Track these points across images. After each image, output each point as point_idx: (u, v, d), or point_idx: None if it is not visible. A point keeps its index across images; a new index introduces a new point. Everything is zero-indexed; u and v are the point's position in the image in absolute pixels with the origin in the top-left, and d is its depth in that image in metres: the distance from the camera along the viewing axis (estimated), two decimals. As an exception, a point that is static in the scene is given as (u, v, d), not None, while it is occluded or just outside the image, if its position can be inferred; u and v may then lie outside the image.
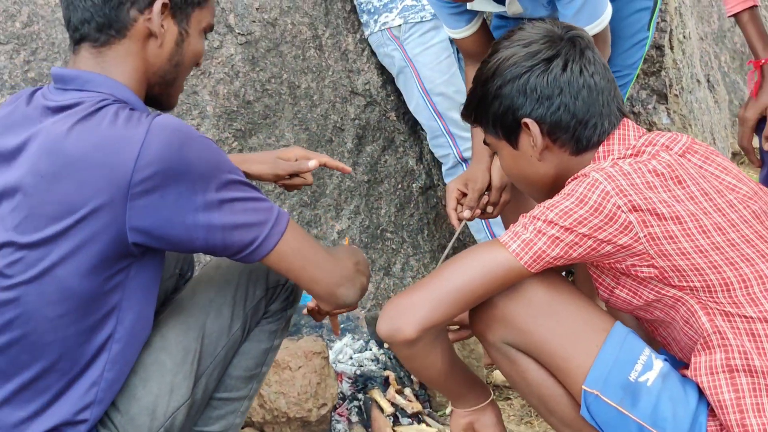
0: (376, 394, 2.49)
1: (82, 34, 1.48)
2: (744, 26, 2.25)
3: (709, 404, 1.53)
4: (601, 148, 1.65)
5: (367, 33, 3.13)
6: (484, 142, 1.81)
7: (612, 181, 1.51)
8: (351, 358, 2.67)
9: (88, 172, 1.34)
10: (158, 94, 1.56)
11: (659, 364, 1.54)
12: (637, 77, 2.96)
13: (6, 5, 2.39)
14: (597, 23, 2.23)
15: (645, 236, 1.49)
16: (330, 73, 3.05)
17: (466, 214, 2.32)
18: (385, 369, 2.63)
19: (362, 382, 2.55)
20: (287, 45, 2.93)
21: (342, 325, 2.70)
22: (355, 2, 3.13)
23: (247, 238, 1.45)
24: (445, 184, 3.16)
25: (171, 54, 1.53)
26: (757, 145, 2.25)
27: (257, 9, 2.86)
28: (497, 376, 2.72)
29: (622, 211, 1.49)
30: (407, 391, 2.56)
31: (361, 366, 2.63)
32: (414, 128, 3.27)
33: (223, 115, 2.72)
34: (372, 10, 3.04)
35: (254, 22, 2.84)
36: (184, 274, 1.85)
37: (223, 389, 1.68)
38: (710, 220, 1.50)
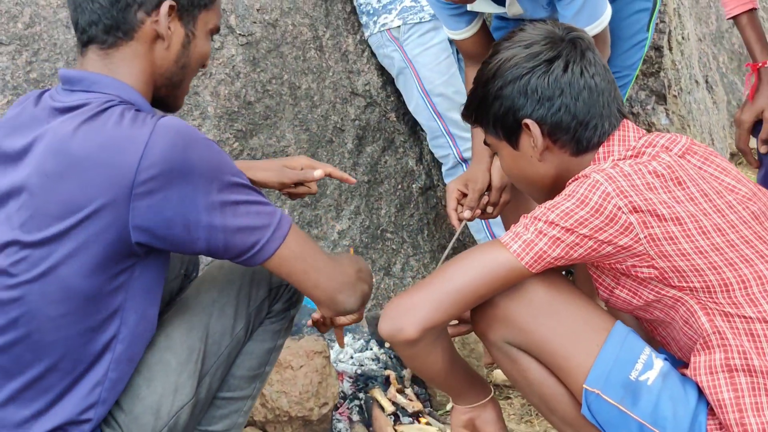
0: (377, 393, 2.49)
1: (90, 36, 1.49)
2: (743, 29, 2.25)
3: (708, 403, 1.54)
4: (601, 149, 1.65)
5: (366, 34, 3.13)
6: (485, 143, 1.81)
7: (613, 183, 1.51)
8: (352, 357, 2.68)
9: (93, 172, 1.35)
10: (165, 95, 1.57)
11: (659, 363, 1.55)
12: (636, 78, 2.97)
13: (8, 6, 2.39)
14: (596, 24, 2.23)
15: (645, 237, 1.50)
16: (330, 73, 3.05)
17: (467, 214, 2.32)
18: (385, 368, 2.64)
19: (363, 381, 2.55)
20: (288, 46, 2.93)
21: (342, 325, 2.70)
22: (355, 3, 3.13)
23: (248, 241, 1.45)
24: (445, 185, 3.17)
25: (178, 56, 1.53)
26: (755, 146, 2.26)
27: (258, 10, 2.86)
28: (497, 375, 2.73)
29: (623, 212, 1.50)
30: (408, 390, 2.57)
31: (362, 365, 2.64)
32: (414, 129, 3.28)
33: (224, 116, 2.72)
34: (371, 12, 3.05)
35: (255, 23, 2.85)
36: (189, 274, 1.85)
37: (226, 389, 1.68)
38: (710, 221, 1.51)
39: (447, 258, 2.60)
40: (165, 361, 1.55)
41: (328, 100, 3.03)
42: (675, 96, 3.64)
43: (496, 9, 2.41)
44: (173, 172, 1.36)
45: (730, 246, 1.51)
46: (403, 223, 3.21)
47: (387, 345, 2.66)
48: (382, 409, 2.45)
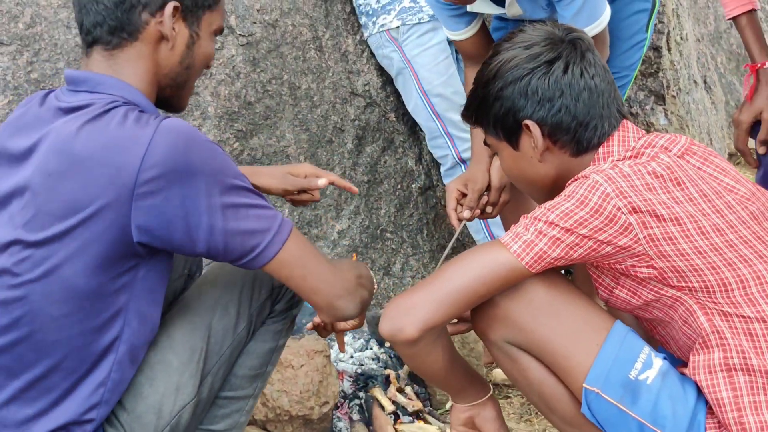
0: (377, 392, 2.50)
1: (95, 37, 1.49)
2: (742, 30, 2.25)
3: (707, 402, 1.54)
4: (601, 150, 1.66)
5: (366, 35, 3.13)
6: (485, 143, 1.82)
7: (612, 183, 1.52)
8: (352, 356, 2.69)
9: (95, 171, 1.36)
10: (169, 96, 1.57)
11: (659, 362, 1.56)
12: (635, 78, 2.97)
13: (9, 6, 2.40)
14: (596, 25, 2.24)
15: (644, 237, 1.51)
16: (330, 74, 3.06)
17: (466, 214, 2.33)
18: (385, 367, 2.64)
19: (363, 380, 2.56)
20: (288, 46, 2.94)
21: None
22: (354, 4, 3.13)
23: (248, 244, 1.45)
24: (444, 185, 3.17)
25: (182, 56, 1.54)
26: (753, 147, 2.27)
27: (258, 10, 2.87)
28: (497, 374, 2.73)
29: (622, 213, 1.50)
30: (408, 389, 2.57)
31: (362, 365, 2.65)
32: (413, 129, 3.28)
33: (224, 116, 2.73)
34: (370, 12, 3.05)
35: (255, 23, 2.85)
36: (192, 274, 1.85)
37: (228, 388, 1.69)
38: (709, 221, 1.52)
39: (446, 258, 2.61)
40: (167, 360, 1.55)
41: (328, 101, 3.04)
42: (674, 96, 3.65)
43: (495, 10, 2.42)
44: (175, 173, 1.36)
45: (729, 246, 1.51)
46: (403, 222, 3.22)
47: (387, 344, 2.67)
48: (383, 408, 2.46)
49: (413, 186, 3.25)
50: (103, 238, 1.37)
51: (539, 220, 1.55)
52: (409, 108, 3.11)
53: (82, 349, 1.43)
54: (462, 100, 2.96)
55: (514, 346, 1.64)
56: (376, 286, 1.81)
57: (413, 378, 2.65)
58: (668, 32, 3.63)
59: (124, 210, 1.36)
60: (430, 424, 2.46)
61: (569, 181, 1.60)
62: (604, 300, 1.69)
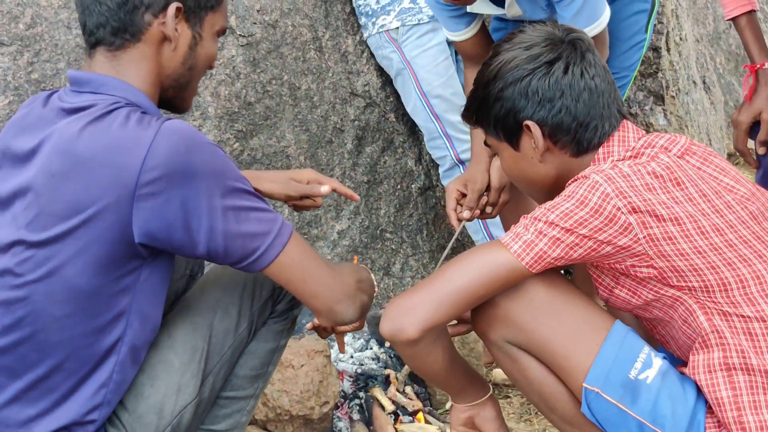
0: (378, 392, 2.50)
1: (98, 38, 1.50)
2: (741, 30, 2.25)
3: (707, 402, 1.55)
4: (601, 150, 1.66)
5: (365, 35, 3.13)
6: (485, 144, 1.82)
7: (612, 183, 1.52)
8: (352, 356, 2.69)
9: (97, 172, 1.36)
10: (172, 97, 1.57)
11: (658, 362, 1.56)
12: (634, 79, 2.98)
13: (9, 7, 2.40)
14: (595, 25, 2.24)
15: (644, 237, 1.51)
16: (330, 74, 3.06)
17: (466, 214, 2.33)
18: (385, 367, 2.65)
19: (363, 380, 2.56)
20: (288, 47, 2.94)
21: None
22: (354, 4, 3.13)
23: (248, 247, 1.45)
24: (443, 186, 3.18)
25: (185, 57, 1.54)
26: (752, 147, 2.27)
27: (258, 11, 2.87)
28: (497, 374, 2.74)
29: (622, 213, 1.51)
30: (408, 389, 2.58)
31: (362, 365, 2.65)
32: (413, 129, 3.28)
33: (224, 117, 2.73)
34: (370, 13, 3.05)
35: (255, 23, 2.85)
36: (194, 275, 1.85)
37: (229, 388, 1.69)
38: (708, 221, 1.52)
39: (446, 258, 2.61)
40: (168, 360, 1.55)
41: (328, 101, 3.04)
42: (673, 96, 3.65)
43: (495, 10, 2.42)
44: (176, 175, 1.36)
45: (729, 246, 1.51)
46: (403, 223, 3.22)
47: (387, 344, 2.67)
48: (383, 408, 2.46)
49: (413, 186, 3.26)
50: (105, 238, 1.37)
51: (539, 220, 1.55)
52: (408, 109, 3.11)
53: (85, 350, 1.43)
54: (461, 101, 2.97)
55: (514, 346, 1.65)
56: (376, 289, 1.81)
57: (413, 378, 2.65)
58: (667, 33, 3.63)
59: (126, 211, 1.36)
60: (430, 423, 2.47)
61: (569, 182, 1.61)
62: (604, 300, 1.69)
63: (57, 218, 1.37)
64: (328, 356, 2.35)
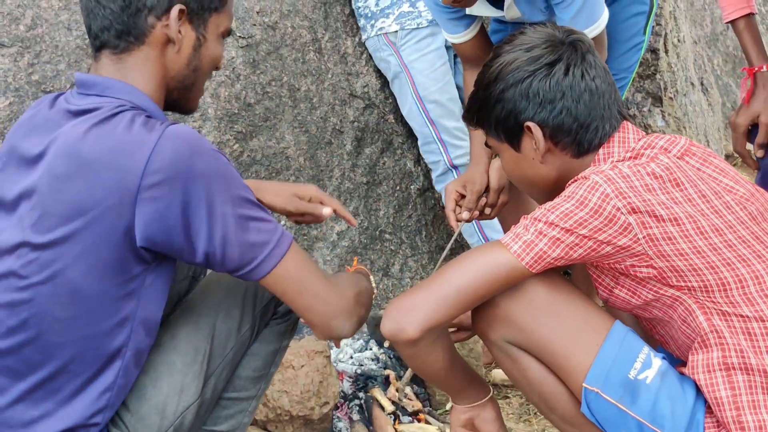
0: (377, 392, 2.51)
1: (102, 42, 1.50)
2: (740, 33, 2.26)
3: (706, 401, 1.55)
4: (601, 151, 1.67)
5: (364, 37, 3.13)
6: (486, 145, 1.82)
7: (612, 184, 1.53)
8: (351, 357, 2.70)
9: (101, 174, 1.36)
10: (177, 98, 1.58)
11: (658, 362, 1.57)
12: (632, 80, 2.98)
13: (10, 8, 2.40)
14: (594, 27, 2.25)
15: (644, 237, 1.52)
16: (329, 76, 3.06)
17: (465, 215, 2.34)
18: (385, 368, 2.65)
19: (363, 381, 2.57)
20: (287, 48, 2.95)
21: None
22: (354, 6, 3.14)
23: (246, 256, 1.45)
24: (436, 190, 3.19)
25: (189, 59, 1.54)
26: (750, 149, 2.28)
27: (258, 12, 2.88)
28: (496, 374, 2.74)
29: (622, 213, 1.51)
30: (408, 389, 2.58)
31: (362, 365, 2.66)
32: (412, 131, 3.26)
33: (224, 118, 2.73)
34: (369, 15, 3.05)
35: (255, 25, 2.86)
36: (197, 276, 1.85)
37: (232, 389, 1.69)
38: (708, 221, 1.53)
39: (445, 259, 2.62)
40: (171, 361, 1.55)
41: (327, 102, 3.04)
42: (671, 98, 3.66)
43: (494, 12, 2.42)
44: (177, 180, 1.36)
45: (728, 246, 1.52)
46: (402, 224, 3.22)
47: (386, 345, 2.68)
48: (382, 408, 2.47)
49: (412, 187, 3.26)
50: (108, 241, 1.37)
51: (539, 220, 1.56)
52: (404, 112, 3.11)
53: (89, 353, 1.43)
54: (456, 107, 2.99)
55: (514, 346, 1.65)
56: (375, 291, 1.81)
57: (413, 379, 2.66)
58: (665, 34, 3.63)
59: (128, 214, 1.36)
60: (429, 424, 2.48)
61: (569, 182, 1.61)
62: (603, 300, 1.70)
63: (60, 220, 1.37)
64: (328, 357, 2.36)
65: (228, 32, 1.61)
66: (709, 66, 4.78)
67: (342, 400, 2.49)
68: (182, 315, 1.62)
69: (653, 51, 3.59)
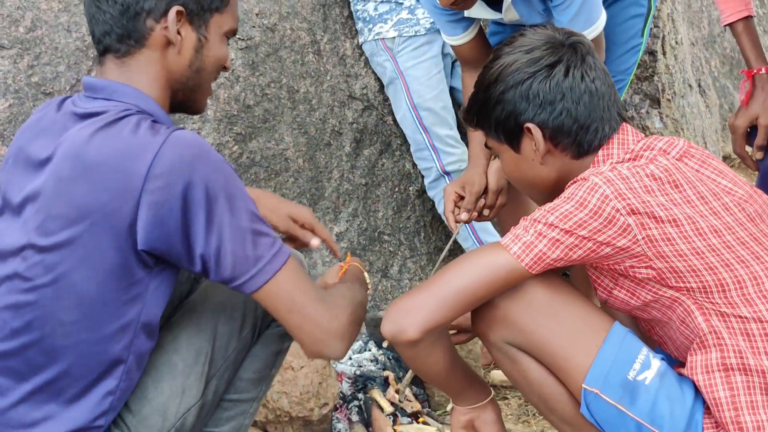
0: (376, 393, 2.51)
1: (105, 46, 1.51)
2: (738, 36, 2.26)
3: (705, 402, 1.56)
4: (600, 152, 1.67)
5: (361, 40, 3.13)
6: (486, 146, 1.83)
7: (611, 185, 1.53)
8: (350, 358, 2.70)
9: (105, 177, 1.36)
10: (182, 100, 1.57)
11: (657, 363, 1.57)
12: (630, 82, 2.99)
13: (10, 10, 2.40)
14: (592, 29, 2.25)
15: (643, 238, 1.52)
16: (328, 77, 3.07)
17: (464, 216, 2.35)
18: (384, 369, 2.66)
19: (362, 382, 2.57)
20: (286, 50, 2.95)
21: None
22: (352, 9, 3.14)
23: (238, 268, 1.43)
24: (429, 197, 3.19)
25: (191, 60, 1.53)
26: (749, 150, 2.29)
27: (257, 14, 2.88)
28: (495, 375, 2.75)
29: (621, 214, 1.52)
30: (407, 390, 2.58)
31: (361, 366, 2.66)
32: (410, 133, 3.30)
33: (223, 119, 2.73)
34: (367, 19, 3.05)
35: (254, 27, 2.86)
36: (199, 278, 1.84)
37: (233, 391, 1.69)
38: (706, 222, 1.53)
39: (443, 260, 2.62)
40: (173, 363, 1.55)
41: (326, 104, 3.05)
42: (669, 100, 3.67)
43: (492, 15, 2.43)
44: (178, 185, 1.36)
45: (726, 247, 1.53)
46: (400, 225, 3.23)
47: (385, 345, 2.68)
48: (381, 409, 2.47)
49: (411, 189, 3.27)
50: (111, 244, 1.37)
51: (539, 221, 1.56)
52: (398, 117, 3.12)
53: (92, 357, 1.43)
54: (449, 115, 3.00)
55: (514, 347, 1.66)
56: (370, 290, 1.80)
57: (412, 380, 2.66)
58: (663, 36, 3.64)
59: (131, 217, 1.36)
60: (428, 425, 2.48)
61: (569, 183, 1.62)
62: (602, 300, 1.70)
63: (64, 222, 1.38)
64: (328, 358, 2.36)
65: (232, 32, 1.60)
66: (707, 68, 4.79)
67: (341, 401, 2.49)
68: (184, 317, 1.62)
69: (651, 53, 3.60)
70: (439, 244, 3.33)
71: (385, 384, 2.58)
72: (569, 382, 1.60)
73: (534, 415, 2.58)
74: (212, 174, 1.39)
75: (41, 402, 1.43)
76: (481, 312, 1.67)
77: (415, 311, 1.57)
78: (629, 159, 1.63)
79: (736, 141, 2.26)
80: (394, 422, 2.45)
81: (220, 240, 1.40)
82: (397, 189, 3.22)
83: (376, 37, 3.03)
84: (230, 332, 1.62)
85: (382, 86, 3.20)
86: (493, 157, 2.34)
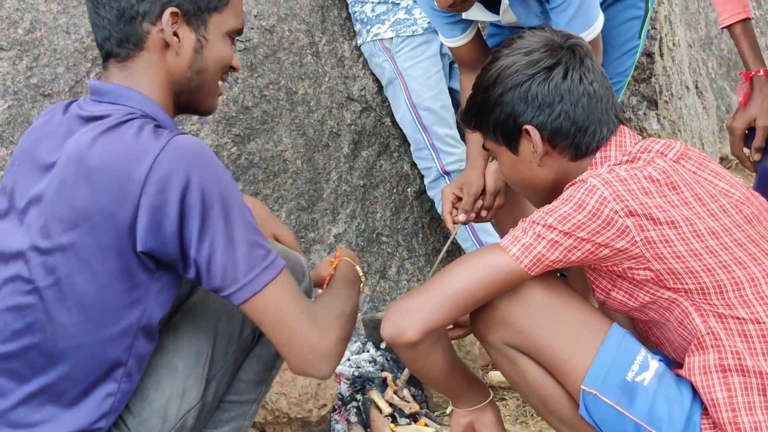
0: (375, 394, 2.51)
1: (107, 51, 1.52)
2: (736, 38, 2.27)
3: (702, 403, 1.56)
4: (598, 154, 1.68)
5: (359, 42, 3.14)
6: (484, 148, 1.83)
7: (609, 187, 1.54)
8: (349, 359, 2.70)
9: (105, 181, 1.37)
10: (187, 101, 1.57)
11: (655, 364, 1.58)
12: (627, 84, 2.99)
13: (9, 12, 2.40)
14: (589, 31, 2.26)
15: (641, 240, 1.52)
16: (326, 79, 3.07)
17: (461, 217, 2.35)
18: (382, 370, 2.66)
19: (360, 383, 2.57)
20: (285, 51, 2.95)
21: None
22: (350, 11, 3.15)
23: (228, 278, 1.41)
24: (429, 197, 3.20)
25: (191, 61, 1.53)
26: (748, 152, 2.29)
27: (255, 16, 2.88)
28: (493, 376, 2.75)
29: (619, 216, 1.52)
30: (405, 391, 2.59)
31: (359, 367, 2.66)
32: (408, 134, 3.30)
33: (222, 121, 2.74)
34: (365, 20, 3.06)
35: (253, 29, 2.86)
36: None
37: (233, 392, 1.69)
38: (704, 224, 1.54)
39: (441, 261, 2.63)
40: (173, 364, 1.55)
41: (325, 105, 3.05)
42: (666, 101, 3.67)
43: (490, 17, 2.43)
44: (175, 189, 1.36)
45: (724, 248, 1.53)
46: (399, 226, 3.23)
47: (383, 346, 2.68)
48: (380, 410, 2.47)
49: (409, 190, 3.27)
50: (112, 247, 1.38)
51: (537, 223, 1.57)
52: (397, 118, 3.13)
53: (93, 359, 1.43)
54: (449, 114, 3.01)
55: (512, 349, 1.66)
56: (363, 279, 1.79)
57: (410, 381, 2.66)
58: (661, 38, 3.65)
59: (130, 220, 1.37)
60: (427, 426, 2.48)
61: (567, 185, 1.62)
62: (600, 302, 1.71)
63: (66, 225, 1.38)
64: (327, 359, 2.36)
65: (236, 32, 1.58)
66: (704, 69, 4.80)
67: (339, 403, 2.49)
68: (184, 318, 1.62)
69: (648, 55, 3.61)
70: (437, 245, 3.33)
71: (383, 385, 2.58)
72: (568, 383, 1.61)
73: (532, 415, 2.59)
74: (210, 180, 1.38)
75: (42, 404, 1.43)
76: (480, 313, 1.67)
77: (414, 313, 1.57)
78: (627, 161, 1.63)
79: (734, 142, 2.26)
80: (393, 423, 2.45)
81: (212, 248, 1.39)
82: (395, 190, 3.23)
83: (374, 38, 3.03)
84: (230, 334, 1.62)
85: (380, 88, 3.20)
86: (490, 158, 2.34)
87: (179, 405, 1.55)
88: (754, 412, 1.50)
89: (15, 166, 1.53)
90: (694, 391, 1.57)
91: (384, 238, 3.17)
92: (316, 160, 2.99)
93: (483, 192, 2.38)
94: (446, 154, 3.00)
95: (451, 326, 1.94)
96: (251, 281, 1.42)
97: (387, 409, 2.47)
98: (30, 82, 2.41)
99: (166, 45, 1.51)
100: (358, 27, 3.12)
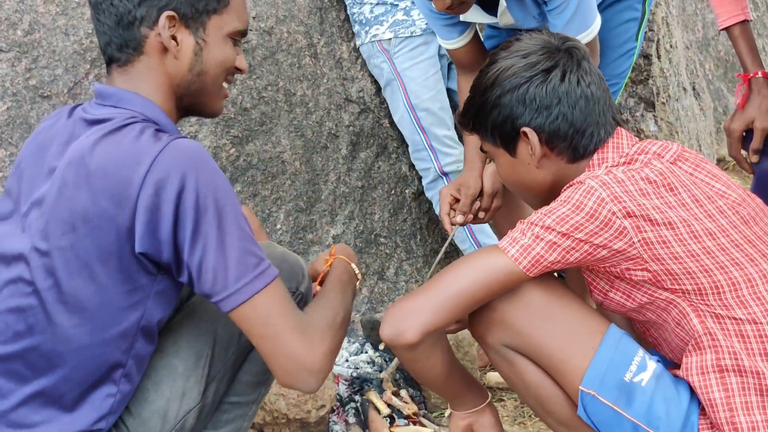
0: (373, 395, 2.51)
1: (109, 56, 1.52)
2: (735, 40, 2.27)
3: (700, 403, 1.57)
4: (595, 156, 1.68)
5: (358, 43, 3.14)
6: (481, 150, 1.83)
7: (607, 188, 1.54)
8: (347, 360, 2.70)
9: (104, 183, 1.37)
10: (189, 104, 1.57)
11: (653, 365, 1.58)
12: (625, 85, 3.00)
13: (8, 13, 2.40)
14: (586, 33, 2.26)
15: (639, 241, 1.53)
16: (325, 80, 3.07)
17: (459, 219, 2.35)
18: (380, 371, 2.66)
19: (359, 384, 2.57)
20: (283, 53, 2.95)
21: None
22: (349, 12, 3.15)
23: (217, 284, 1.40)
24: (427, 198, 3.20)
25: (190, 64, 1.52)
26: (746, 154, 2.30)
27: (254, 18, 2.88)
28: (491, 377, 2.75)
29: (617, 217, 1.53)
30: (403, 392, 2.59)
31: (357, 368, 2.66)
32: (407, 135, 3.30)
33: (220, 122, 2.74)
34: (363, 21, 3.06)
35: (251, 30, 2.86)
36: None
37: (232, 393, 1.69)
38: (701, 225, 1.54)
39: (439, 262, 2.63)
40: (173, 365, 1.55)
41: (323, 107, 3.05)
42: (663, 103, 3.68)
43: (488, 19, 2.44)
44: (171, 191, 1.36)
45: (721, 249, 1.54)
46: (397, 227, 3.23)
47: (381, 347, 2.68)
48: (378, 411, 2.47)
49: (407, 191, 3.27)
50: (110, 250, 1.38)
51: (536, 224, 1.57)
52: (396, 119, 3.13)
53: (93, 360, 1.43)
54: (447, 115, 3.01)
55: (511, 350, 1.66)
56: (359, 277, 1.79)
57: (408, 382, 2.66)
58: (658, 40, 3.65)
59: (129, 223, 1.37)
60: (425, 426, 2.48)
61: (565, 187, 1.63)
62: (598, 303, 1.71)
63: (65, 227, 1.38)
64: (325, 360, 2.36)
65: (239, 33, 1.57)
66: (701, 71, 4.81)
67: (338, 403, 2.49)
68: (184, 320, 1.62)
69: (646, 56, 3.61)
70: (435, 246, 3.34)
71: (381, 386, 2.58)
72: (566, 384, 1.61)
73: (530, 416, 2.59)
74: (206, 184, 1.38)
75: (42, 405, 1.43)
76: (478, 314, 1.68)
77: (413, 314, 1.58)
78: (624, 163, 1.64)
79: (731, 144, 2.27)
80: (391, 424, 2.46)
81: (203, 253, 1.38)
82: (393, 192, 3.23)
83: (373, 39, 3.04)
84: (230, 335, 1.62)
85: (378, 89, 3.20)
86: (488, 160, 2.35)
87: (179, 406, 1.55)
88: (751, 412, 1.51)
89: (19, 168, 1.53)
90: (692, 392, 1.58)
91: (382, 239, 3.17)
92: (314, 162, 3.00)
93: (480, 193, 2.38)
94: (444, 155, 3.00)
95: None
96: (240, 289, 1.40)
97: (385, 410, 2.47)
98: (29, 83, 2.41)
99: (165, 49, 1.51)
100: (356, 28, 3.12)
